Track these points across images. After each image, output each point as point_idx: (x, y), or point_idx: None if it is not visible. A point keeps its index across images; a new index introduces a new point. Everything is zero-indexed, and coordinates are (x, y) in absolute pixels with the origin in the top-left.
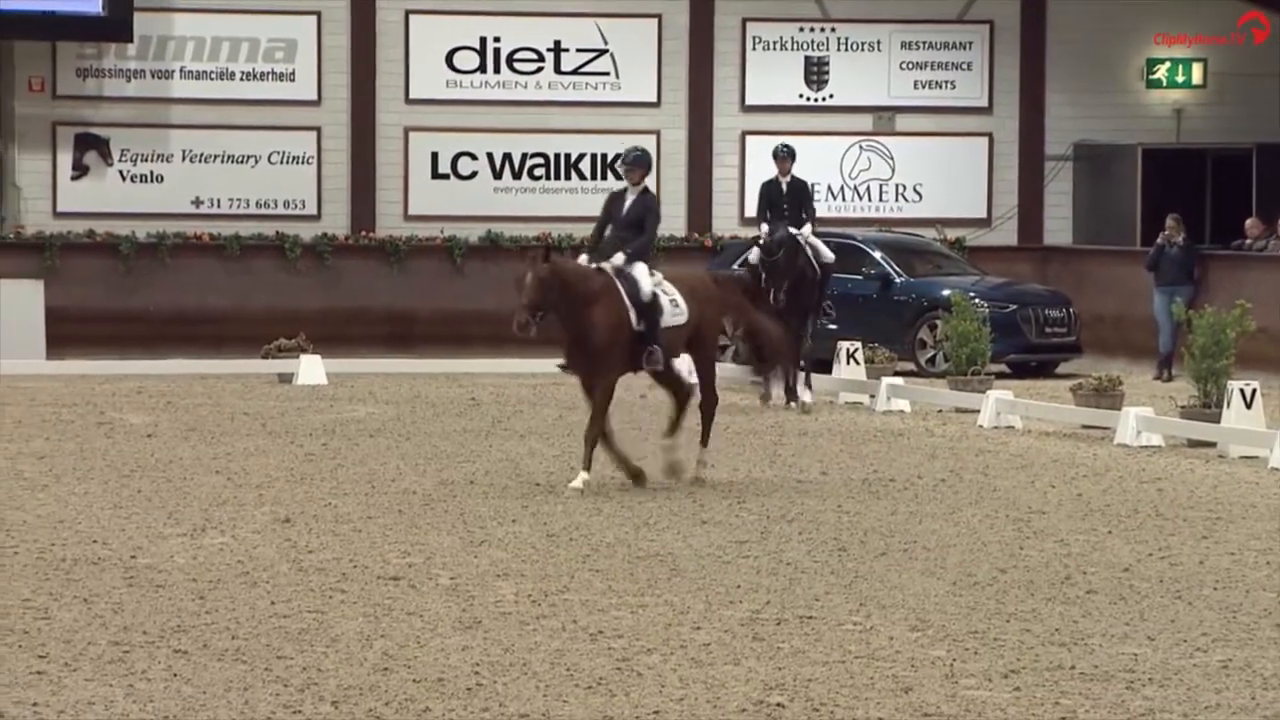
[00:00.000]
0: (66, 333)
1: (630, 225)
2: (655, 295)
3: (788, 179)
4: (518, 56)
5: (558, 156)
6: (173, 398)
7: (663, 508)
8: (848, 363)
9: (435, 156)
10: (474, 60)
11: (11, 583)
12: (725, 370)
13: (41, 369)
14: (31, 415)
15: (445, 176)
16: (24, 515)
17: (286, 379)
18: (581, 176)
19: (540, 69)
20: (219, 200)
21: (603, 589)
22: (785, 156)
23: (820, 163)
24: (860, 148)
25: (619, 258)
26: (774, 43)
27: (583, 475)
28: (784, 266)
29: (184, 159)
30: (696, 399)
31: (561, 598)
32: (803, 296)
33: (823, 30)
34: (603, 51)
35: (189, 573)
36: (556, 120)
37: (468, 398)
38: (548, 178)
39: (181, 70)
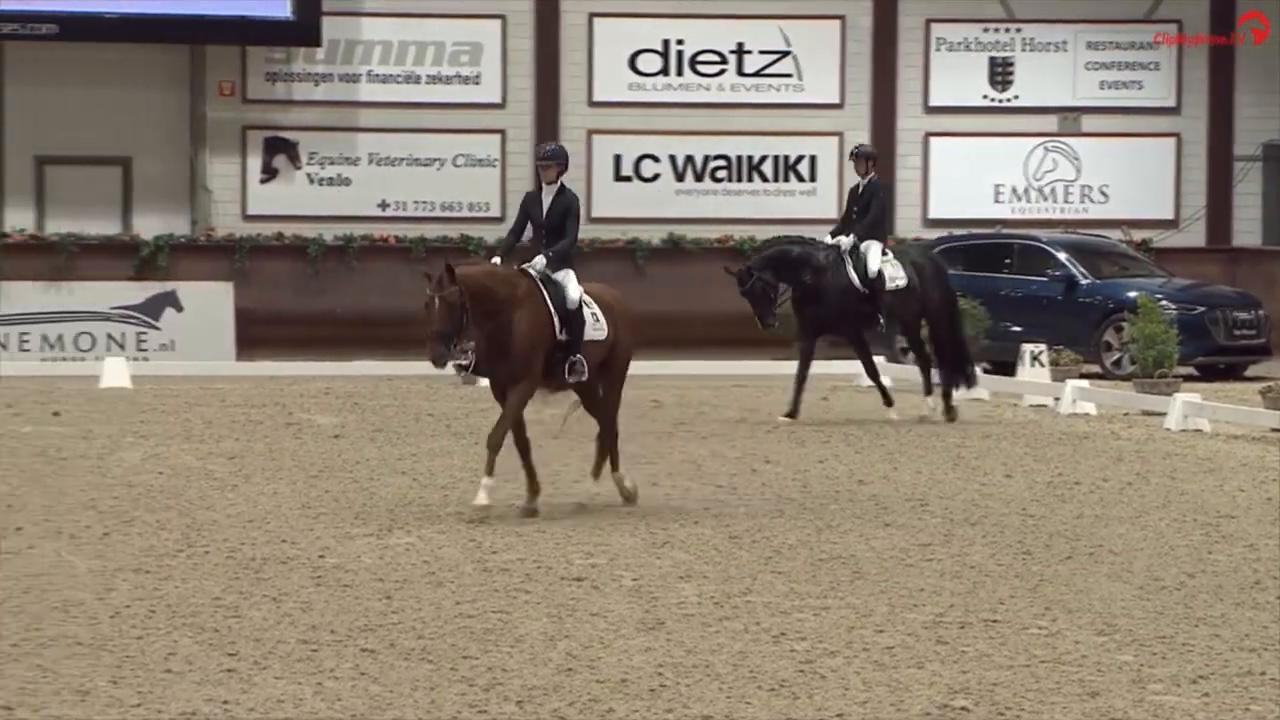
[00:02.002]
0: (255, 334)
1: (552, 228)
2: (581, 304)
3: (866, 180)
4: (700, 59)
5: (740, 159)
6: (359, 399)
7: (845, 510)
8: (1032, 365)
9: (618, 159)
10: (657, 63)
11: (203, 581)
12: (899, 370)
13: (231, 370)
14: (222, 416)
15: (628, 179)
16: (214, 515)
17: (470, 380)
18: (764, 179)
19: (723, 71)
20: (405, 203)
21: (785, 591)
22: (861, 156)
23: (1004, 164)
24: (1045, 149)
25: (540, 261)
26: (958, 43)
27: (485, 482)
28: (759, 296)
29: (370, 162)
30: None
31: (744, 599)
32: (848, 317)
33: (1007, 31)
34: (785, 53)
35: (376, 572)
36: (739, 122)
37: (650, 399)
38: (730, 180)
39: (368, 74)
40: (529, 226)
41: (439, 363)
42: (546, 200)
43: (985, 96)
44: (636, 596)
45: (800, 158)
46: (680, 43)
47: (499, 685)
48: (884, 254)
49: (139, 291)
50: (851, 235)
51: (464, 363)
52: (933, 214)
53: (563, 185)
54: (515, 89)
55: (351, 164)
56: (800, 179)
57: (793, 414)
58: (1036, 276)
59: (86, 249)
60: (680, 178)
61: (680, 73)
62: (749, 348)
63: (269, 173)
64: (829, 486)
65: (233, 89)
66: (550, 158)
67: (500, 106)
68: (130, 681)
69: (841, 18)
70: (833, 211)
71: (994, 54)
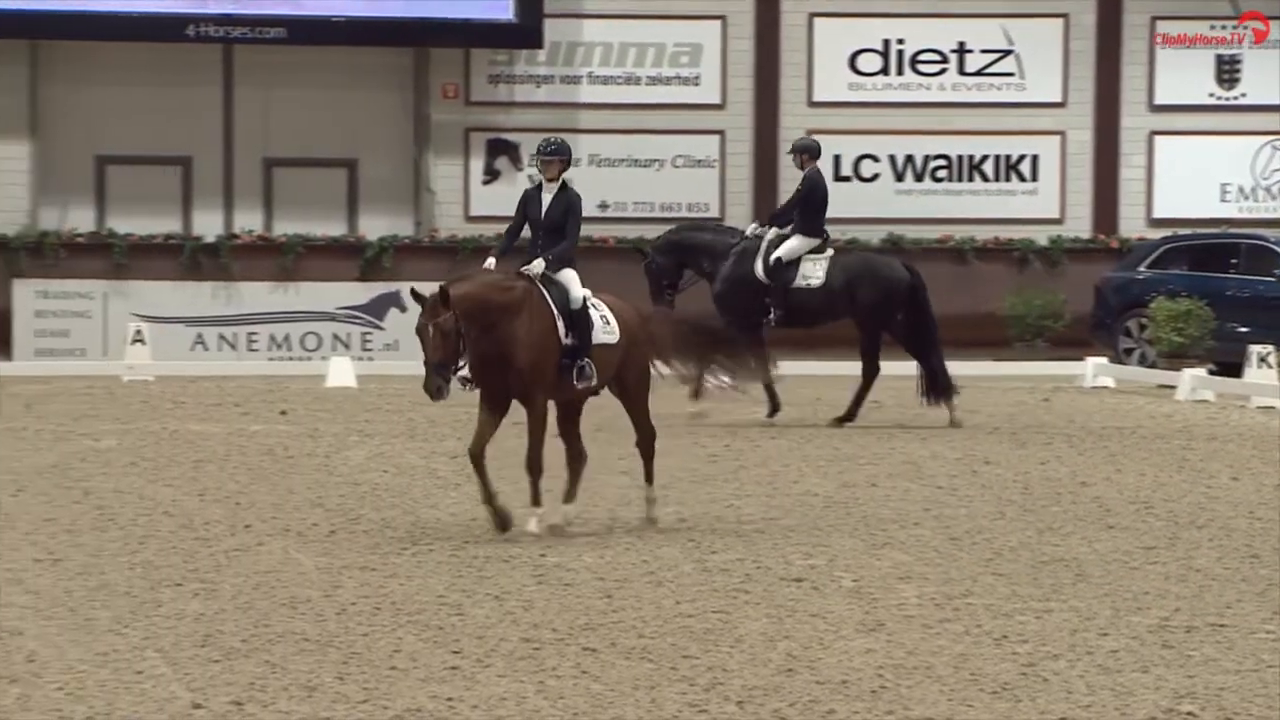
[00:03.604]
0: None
1: (551, 229)
2: (586, 304)
3: (803, 174)
4: (921, 58)
5: (960, 158)
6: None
7: (1067, 512)
8: (1259, 366)
9: (837, 159)
10: (877, 62)
11: (427, 579)
12: (1120, 372)
13: None
14: (445, 415)
15: (847, 179)
16: (438, 514)
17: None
18: (984, 178)
19: (944, 70)
20: (624, 204)
21: (1006, 593)
22: (794, 151)
23: (1230, 163)
24: (1273, 147)
25: (539, 264)
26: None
27: (535, 511)
28: (651, 278)
29: (590, 163)
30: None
31: (965, 601)
32: (742, 307)
33: (1235, 28)
34: (1007, 52)
35: (596, 571)
36: (959, 122)
37: (870, 400)
38: (950, 180)
39: (589, 76)
40: (526, 227)
41: (437, 396)
42: (546, 199)
43: (1211, 95)
44: (856, 598)
45: (1022, 157)
46: (901, 42)
47: (719, 685)
48: (820, 251)
49: (364, 292)
50: (774, 227)
51: (465, 375)
52: (1157, 213)
53: (565, 183)
54: (735, 89)
55: (572, 165)
56: (1021, 178)
57: (774, 411)
58: (1264, 277)
59: (313, 250)
60: (900, 178)
61: (900, 72)
62: (968, 348)
63: (491, 174)
64: (1050, 488)
65: (456, 91)
66: (551, 153)
67: (720, 107)
68: (356, 678)
69: (1065, 15)
70: (1055, 211)
71: (1220, 51)
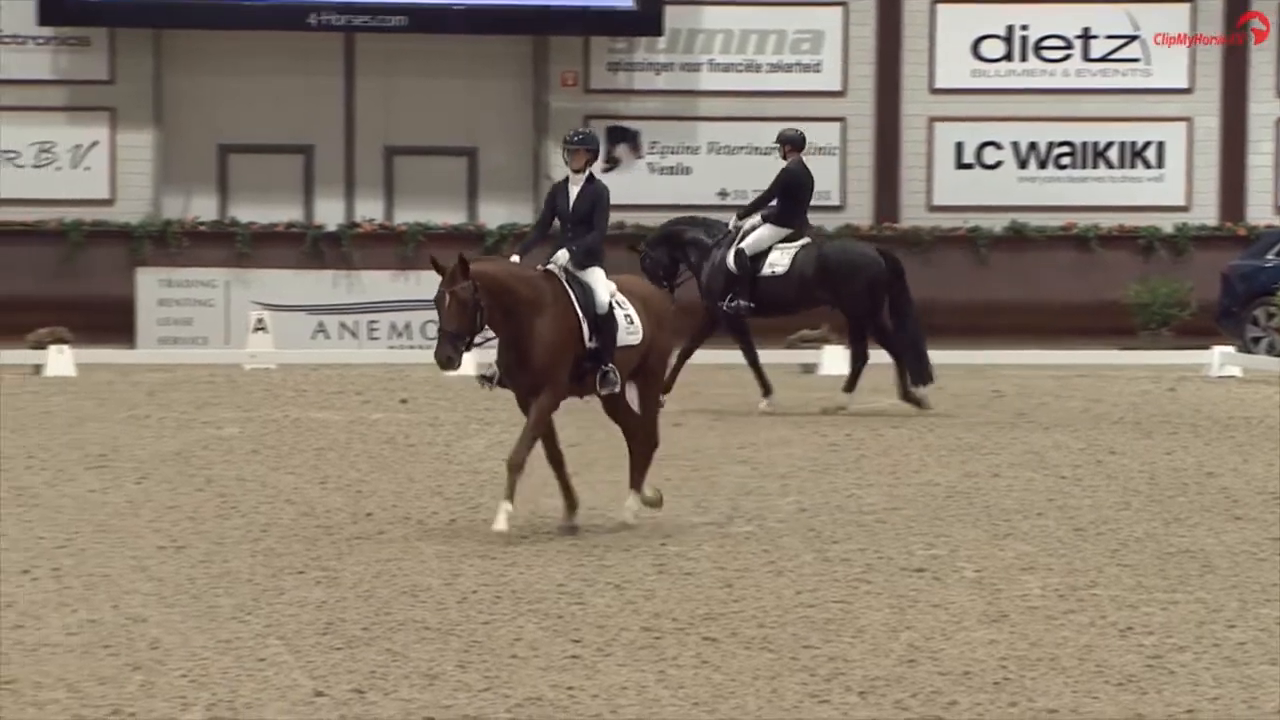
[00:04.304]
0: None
1: (578, 220)
2: (612, 307)
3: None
4: (1045, 44)
5: (1084, 145)
6: (699, 386)
7: (1193, 503)
8: None
9: (959, 146)
10: (1000, 48)
11: (547, 568)
12: (1249, 361)
13: None
14: (562, 403)
15: (969, 166)
16: (557, 502)
17: (809, 369)
18: (1109, 165)
19: (1068, 56)
20: (744, 191)
21: (1132, 584)
22: (779, 141)
23: None
24: None
25: (563, 255)
26: None
27: (505, 506)
28: (648, 273)
29: (711, 151)
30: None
31: (1089, 592)
32: (716, 296)
33: None
34: (1133, 38)
35: (717, 561)
36: (1084, 108)
37: (991, 389)
38: (1074, 167)
39: (709, 63)
40: (555, 220)
41: (447, 365)
42: (574, 191)
43: None
44: (979, 588)
45: (1147, 144)
46: (1024, 28)
47: (840, 675)
48: (791, 240)
49: None
50: (753, 217)
51: (488, 374)
52: None
53: (592, 174)
54: (856, 76)
55: (692, 153)
56: (1147, 165)
57: (766, 393)
58: None
59: (434, 238)
60: (1023, 165)
61: (1024, 58)
62: (1093, 337)
63: (610, 162)
64: (1176, 479)
65: (575, 79)
66: (578, 143)
67: (841, 94)
68: (477, 666)
69: (1191, 0)
70: (1181, 198)
71: None
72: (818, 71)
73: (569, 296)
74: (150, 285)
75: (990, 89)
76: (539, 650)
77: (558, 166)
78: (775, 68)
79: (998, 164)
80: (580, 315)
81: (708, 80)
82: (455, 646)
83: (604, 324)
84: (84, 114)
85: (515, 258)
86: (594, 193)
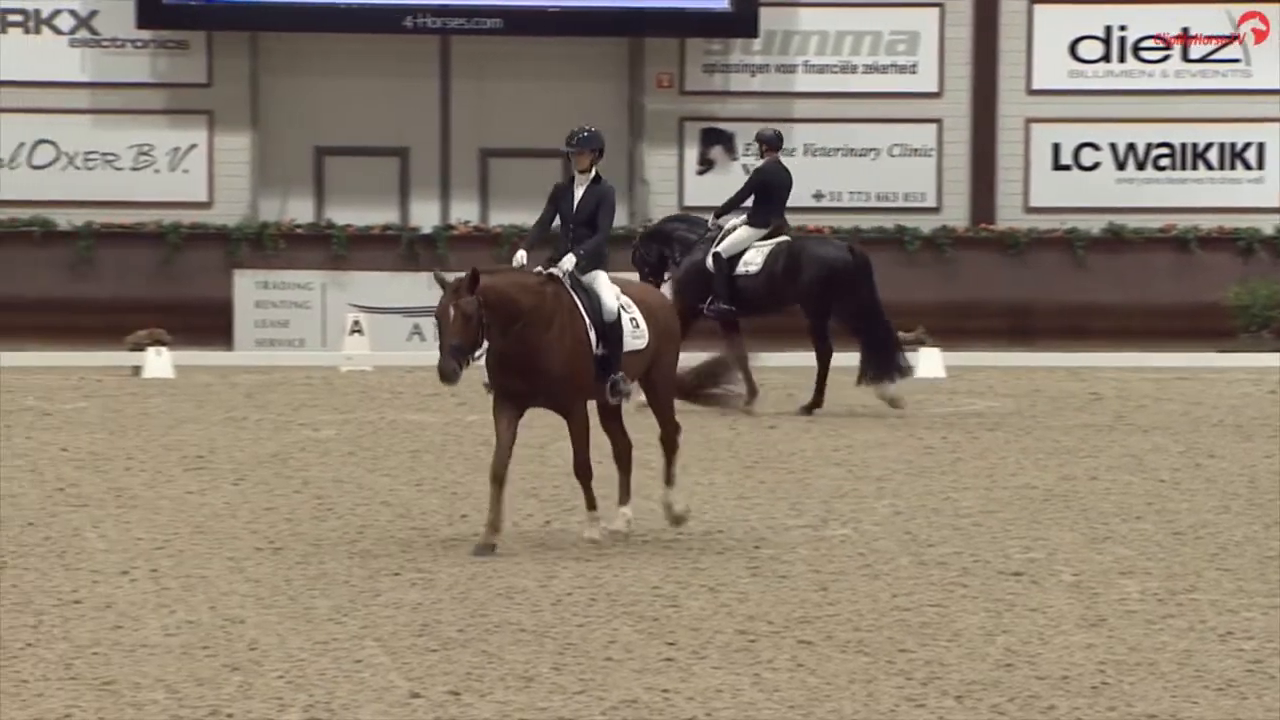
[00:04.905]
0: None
1: (583, 222)
2: (619, 314)
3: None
4: (1144, 45)
5: (1183, 146)
6: (793, 389)
7: None
8: None
9: (1056, 148)
10: (1098, 49)
11: (642, 571)
12: None
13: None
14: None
15: (1066, 168)
16: (652, 504)
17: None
18: (1209, 166)
19: (1167, 57)
20: (839, 194)
21: (1232, 589)
22: (755, 140)
23: None
24: None
25: (569, 260)
26: None
27: (591, 515)
28: (639, 271)
29: (805, 153)
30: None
31: (1189, 597)
32: (701, 296)
33: None
34: (1233, 38)
35: (811, 564)
36: (1183, 109)
37: (1089, 392)
38: (1173, 168)
39: (805, 65)
40: (557, 220)
41: (449, 379)
42: (579, 192)
43: None
44: (1077, 592)
45: (1247, 145)
46: (1123, 28)
47: (937, 679)
48: (767, 239)
49: None
50: (730, 217)
51: (486, 381)
52: None
53: (598, 175)
54: (952, 78)
55: (786, 155)
56: (1247, 166)
57: (751, 396)
58: None
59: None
60: (1121, 166)
61: (1122, 59)
62: (1192, 339)
63: (705, 164)
64: (1277, 482)
65: (670, 81)
66: (580, 145)
67: (937, 95)
68: (572, 668)
69: None
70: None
71: None
72: (913, 73)
73: (576, 304)
74: (247, 287)
75: (1088, 90)
76: (634, 653)
77: (653, 169)
78: (870, 69)
79: (1095, 165)
80: (589, 322)
81: (803, 82)
82: (550, 649)
83: (611, 331)
84: (182, 117)
85: (522, 253)
86: (599, 193)
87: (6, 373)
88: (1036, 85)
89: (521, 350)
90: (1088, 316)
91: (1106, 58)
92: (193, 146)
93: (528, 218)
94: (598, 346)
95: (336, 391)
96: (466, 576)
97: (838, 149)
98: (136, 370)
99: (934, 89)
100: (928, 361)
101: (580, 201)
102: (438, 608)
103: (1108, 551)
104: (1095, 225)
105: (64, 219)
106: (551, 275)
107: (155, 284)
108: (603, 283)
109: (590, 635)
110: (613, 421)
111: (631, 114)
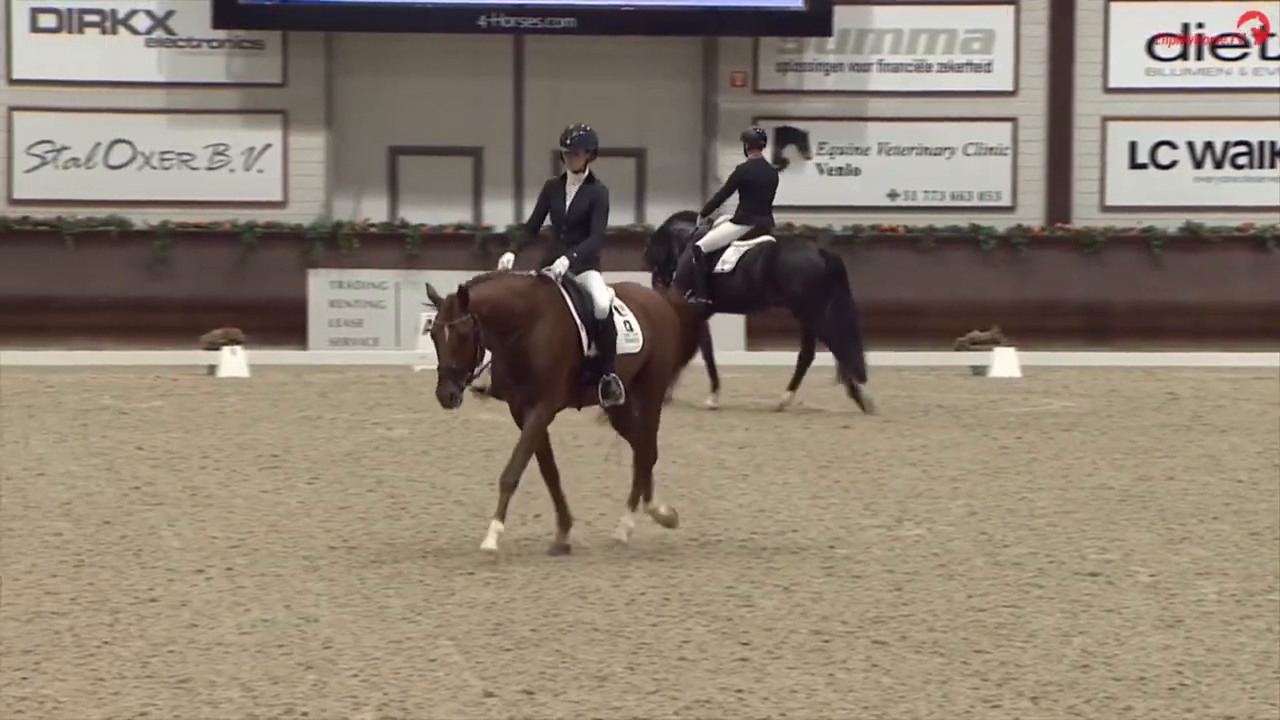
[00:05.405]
0: (766, 323)
1: (575, 223)
2: (611, 313)
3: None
4: (1221, 42)
5: (1262, 145)
6: (867, 389)
7: None
8: None
9: (1133, 146)
10: (1175, 47)
11: (715, 570)
12: None
13: (741, 360)
14: (732, 404)
15: (1143, 166)
16: (726, 504)
17: (980, 371)
18: None
19: (1245, 55)
20: (914, 193)
21: None
22: (741, 138)
23: None
24: None
25: (562, 263)
26: None
27: (495, 526)
28: (651, 268)
29: (880, 152)
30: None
31: (1266, 598)
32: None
33: None
34: None
35: (886, 564)
36: (1261, 107)
37: (1165, 392)
38: (1251, 166)
39: (879, 63)
40: (549, 220)
41: (450, 404)
42: (571, 191)
43: None
44: (1153, 593)
45: None
46: (1200, 26)
47: (1012, 680)
48: (747, 238)
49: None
50: (716, 214)
51: (480, 385)
52: None
53: (591, 175)
54: (1028, 76)
55: (861, 154)
56: None
57: (714, 388)
58: None
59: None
60: (1199, 165)
61: (1200, 57)
62: (1269, 339)
63: (779, 163)
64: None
65: (744, 80)
66: (576, 144)
67: (1012, 94)
68: (646, 668)
69: None
70: None
71: None
72: (989, 71)
73: (565, 302)
74: (321, 287)
75: (1165, 88)
76: (707, 652)
77: (726, 167)
78: (946, 68)
79: (1172, 164)
80: (579, 321)
81: (877, 80)
82: (624, 648)
83: (604, 330)
84: (257, 117)
85: (509, 255)
86: (592, 194)
87: (84, 371)
88: (1113, 83)
89: (515, 354)
90: (1164, 316)
91: (1184, 55)
92: (268, 146)
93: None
94: (590, 348)
95: (410, 391)
96: (540, 576)
97: (912, 148)
98: (212, 369)
99: (1009, 87)
100: (1003, 361)
101: (572, 202)
102: (511, 607)
103: (1185, 552)
104: (1172, 224)
105: (140, 219)
106: (543, 276)
107: (230, 283)
108: (595, 281)
109: (664, 635)
110: (635, 432)
111: (705, 113)
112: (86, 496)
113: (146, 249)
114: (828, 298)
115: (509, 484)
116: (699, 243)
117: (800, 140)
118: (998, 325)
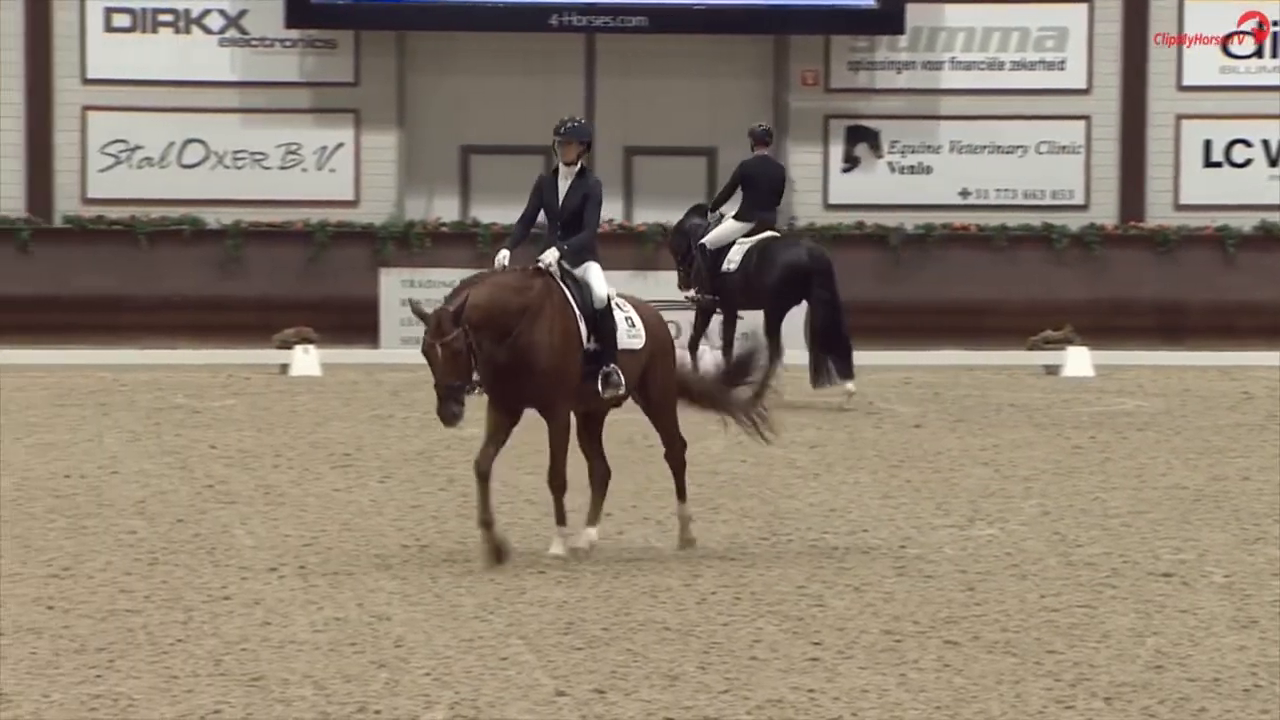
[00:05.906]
0: None
1: (570, 218)
2: (610, 303)
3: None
4: None
5: None
6: (939, 388)
7: None
8: None
9: (1208, 145)
10: (1251, 45)
11: (786, 570)
12: None
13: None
14: (800, 402)
15: (1217, 165)
16: (797, 504)
17: (1053, 370)
18: None
19: None
20: (986, 191)
21: None
22: (749, 135)
23: None
24: None
25: (552, 253)
26: None
27: (559, 530)
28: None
29: (952, 150)
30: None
31: None
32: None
33: None
34: None
35: (958, 564)
36: None
37: (1240, 391)
38: None
39: (951, 61)
40: (541, 215)
41: (452, 422)
42: (564, 185)
43: None
44: (1228, 593)
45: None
46: (1276, 24)
47: (1086, 681)
48: (751, 235)
49: None
50: (712, 213)
51: (475, 379)
52: None
53: (584, 168)
54: (1101, 74)
55: (933, 152)
56: None
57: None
58: None
59: None
60: (1274, 163)
61: (1275, 55)
62: None
63: (850, 162)
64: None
65: (815, 78)
66: (570, 134)
67: (1085, 92)
68: (717, 668)
69: None
70: None
71: None
72: (1062, 69)
73: (565, 294)
74: (393, 285)
75: (1240, 86)
76: (779, 652)
77: (798, 166)
78: (1018, 65)
79: (1247, 162)
80: (578, 313)
81: (949, 79)
82: (695, 647)
83: (602, 321)
84: (329, 116)
85: (505, 253)
86: (585, 187)
87: (157, 370)
88: (1187, 81)
89: (512, 353)
90: (1239, 315)
91: (1259, 53)
92: (340, 145)
93: (672, 215)
94: (589, 340)
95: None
96: (611, 575)
97: (984, 146)
98: (284, 368)
99: (1083, 85)
100: (1076, 361)
101: (566, 195)
102: (582, 606)
103: (1260, 553)
104: (1247, 223)
105: (213, 218)
106: (538, 268)
107: (302, 282)
108: (594, 273)
109: (735, 634)
110: (593, 444)
111: (776, 111)
112: (160, 495)
113: (219, 248)
114: (803, 294)
115: (556, 487)
116: (703, 240)
117: (872, 139)
118: (1070, 324)
